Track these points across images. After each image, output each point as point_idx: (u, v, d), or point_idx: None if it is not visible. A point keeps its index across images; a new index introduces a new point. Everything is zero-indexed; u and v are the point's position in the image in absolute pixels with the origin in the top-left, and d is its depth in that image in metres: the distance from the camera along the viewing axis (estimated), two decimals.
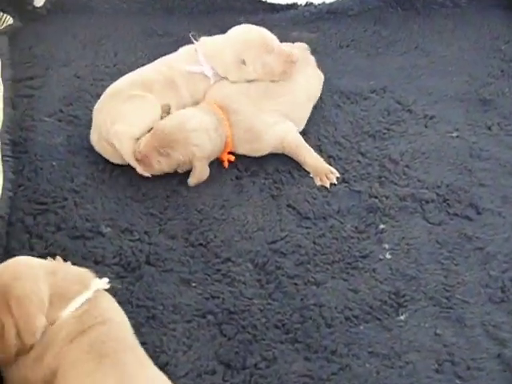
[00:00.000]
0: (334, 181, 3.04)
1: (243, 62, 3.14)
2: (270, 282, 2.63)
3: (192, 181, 2.96)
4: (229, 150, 3.09)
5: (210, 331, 2.45)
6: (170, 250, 2.70)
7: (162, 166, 2.94)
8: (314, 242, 2.78)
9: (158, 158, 2.91)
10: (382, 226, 2.87)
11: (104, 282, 2.23)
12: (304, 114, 3.30)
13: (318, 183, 3.04)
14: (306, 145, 3.12)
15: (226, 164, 3.08)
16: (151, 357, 2.26)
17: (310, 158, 3.09)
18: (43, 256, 2.59)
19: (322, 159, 3.09)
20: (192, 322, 2.47)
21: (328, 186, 3.01)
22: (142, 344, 2.34)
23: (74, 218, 2.80)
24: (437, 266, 2.73)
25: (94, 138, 3.07)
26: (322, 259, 2.72)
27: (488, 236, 2.86)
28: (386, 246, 2.79)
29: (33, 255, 2.56)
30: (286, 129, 3.13)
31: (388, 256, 2.75)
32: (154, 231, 2.77)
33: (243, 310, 2.53)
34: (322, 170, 3.07)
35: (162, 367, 2.27)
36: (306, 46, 3.51)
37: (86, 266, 2.54)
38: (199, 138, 2.94)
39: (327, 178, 3.04)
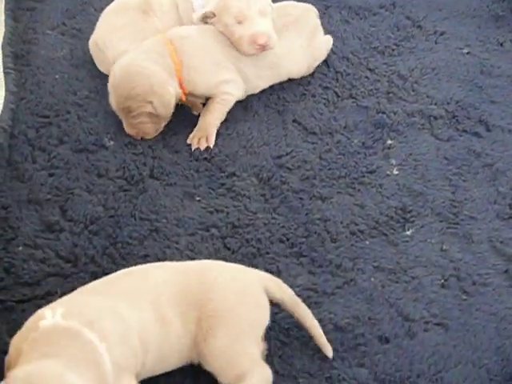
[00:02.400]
0: (202, 147, 2.77)
1: (212, 16, 2.94)
2: (275, 196, 2.59)
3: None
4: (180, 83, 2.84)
5: (213, 245, 2.42)
6: (173, 163, 2.66)
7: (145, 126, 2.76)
8: (320, 157, 2.73)
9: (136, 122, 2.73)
10: (389, 142, 2.82)
11: None
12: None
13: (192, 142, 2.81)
14: (223, 112, 2.90)
15: (183, 97, 2.87)
16: None
17: (210, 117, 2.86)
18: (46, 169, 2.56)
19: (215, 124, 2.87)
20: (195, 236, 2.44)
21: (195, 146, 2.78)
22: (145, 257, 2.34)
23: (76, 132, 2.76)
24: (444, 182, 2.68)
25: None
26: (328, 174, 2.67)
27: (497, 153, 2.81)
28: (394, 161, 2.74)
29: (35, 168, 2.54)
30: (226, 90, 2.90)
31: (395, 172, 2.71)
32: (157, 145, 2.73)
33: (247, 224, 2.49)
34: (204, 130, 2.82)
35: None
36: (315, 11, 3.24)
37: (90, 180, 2.52)
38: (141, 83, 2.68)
39: (200, 141, 2.79)
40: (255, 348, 2.03)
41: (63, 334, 1.72)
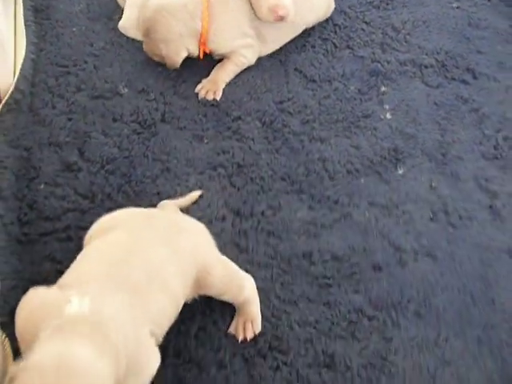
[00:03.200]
0: (209, 98, 2.73)
1: None
2: (277, 138, 2.58)
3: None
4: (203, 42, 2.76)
5: (220, 183, 2.42)
6: (183, 109, 2.65)
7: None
8: (319, 103, 2.72)
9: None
10: (383, 89, 2.80)
11: None
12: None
13: (200, 92, 2.77)
14: (235, 73, 2.85)
15: (201, 55, 2.81)
16: None
17: (223, 74, 2.81)
18: (65, 114, 2.55)
19: (224, 81, 2.82)
20: (204, 174, 2.44)
21: (202, 96, 2.74)
22: (157, 194, 2.33)
23: (93, 80, 2.74)
24: (434, 125, 2.67)
25: None
26: (327, 118, 2.66)
27: (483, 99, 2.80)
28: (387, 106, 2.73)
29: (55, 113, 2.53)
30: (244, 54, 2.83)
31: (388, 116, 2.69)
32: (168, 92, 2.71)
33: (252, 163, 2.49)
34: (214, 84, 2.77)
35: None
36: None
37: (105, 124, 2.51)
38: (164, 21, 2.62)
39: (208, 93, 2.74)
40: None
41: (89, 325, 1.60)
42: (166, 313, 1.86)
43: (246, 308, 2.07)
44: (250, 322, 2.05)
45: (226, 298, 2.05)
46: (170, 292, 1.86)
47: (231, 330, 2.07)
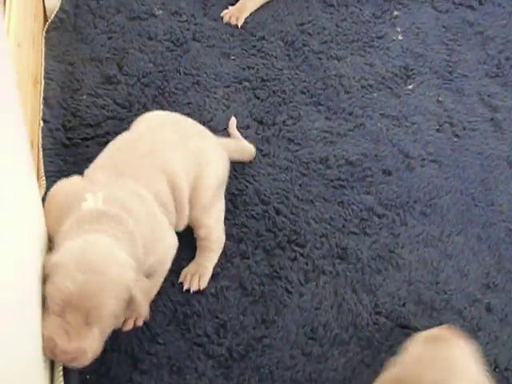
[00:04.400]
0: (232, 22, 2.57)
1: None
2: (298, 56, 2.48)
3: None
4: None
5: (245, 95, 2.35)
6: (212, 29, 2.55)
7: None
8: (337, 25, 2.61)
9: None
10: (395, 13, 2.68)
11: None
12: None
13: (225, 17, 2.60)
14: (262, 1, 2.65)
15: None
16: (196, 114, 2.20)
17: (250, 3, 2.62)
18: (105, 33, 2.47)
19: (249, 9, 2.62)
20: (230, 87, 2.36)
21: (226, 20, 2.58)
22: (187, 104, 2.27)
23: (130, 3, 2.62)
24: (442, 46, 2.57)
25: None
26: (343, 39, 2.56)
27: (488, 23, 2.68)
28: (399, 29, 2.62)
29: (96, 32, 2.45)
30: None
31: (400, 37, 2.59)
32: (199, 14, 2.60)
33: (274, 78, 2.41)
34: (239, 12, 2.59)
35: (206, 123, 2.20)
36: None
37: (141, 42, 2.43)
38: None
39: (232, 18, 2.58)
40: None
41: (106, 216, 1.62)
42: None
43: (203, 257, 1.92)
44: (198, 276, 1.88)
45: (199, 229, 1.92)
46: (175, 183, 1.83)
47: (182, 273, 1.90)
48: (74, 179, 1.80)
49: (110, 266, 1.52)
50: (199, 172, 1.87)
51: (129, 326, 1.71)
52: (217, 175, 1.92)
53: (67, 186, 1.78)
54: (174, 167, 1.82)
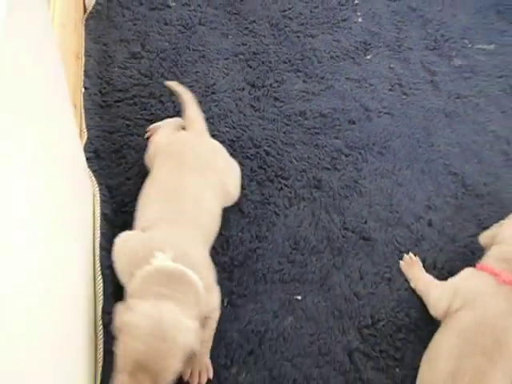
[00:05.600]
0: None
1: None
2: (281, 35, 2.36)
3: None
4: None
5: (240, 65, 2.23)
6: (214, 15, 2.41)
7: None
8: (311, 11, 2.47)
9: None
10: (356, 1, 2.54)
11: None
12: None
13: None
14: None
15: None
16: (202, 80, 2.11)
17: None
18: (131, 21, 2.33)
19: None
20: (229, 59, 2.24)
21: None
22: (195, 73, 2.16)
23: None
24: (392, 26, 2.45)
25: None
26: (316, 21, 2.43)
27: (427, 8, 2.55)
28: (359, 13, 2.48)
29: (124, 20, 2.32)
30: None
31: (360, 20, 2.46)
32: (204, 4, 2.46)
33: (263, 51, 2.28)
34: None
35: (210, 86, 2.10)
36: None
37: (159, 26, 2.31)
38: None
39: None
40: None
41: (174, 278, 1.37)
42: (214, 230, 1.62)
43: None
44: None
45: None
46: (212, 213, 1.62)
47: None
48: (136, 234, 1.54)
49: (178, 334, 1.28)
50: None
51: (194, 379, 1.51)
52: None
53: (132, 237, 1.53)
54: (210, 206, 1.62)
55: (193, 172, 1.61)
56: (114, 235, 1.66)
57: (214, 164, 1.67)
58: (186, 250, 1.44)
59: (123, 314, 1.31)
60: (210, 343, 1.53)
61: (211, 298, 1.47)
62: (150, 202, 1.58)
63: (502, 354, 1.40)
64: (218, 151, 1.76)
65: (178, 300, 1.34)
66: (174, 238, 1.47)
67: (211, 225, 1.61)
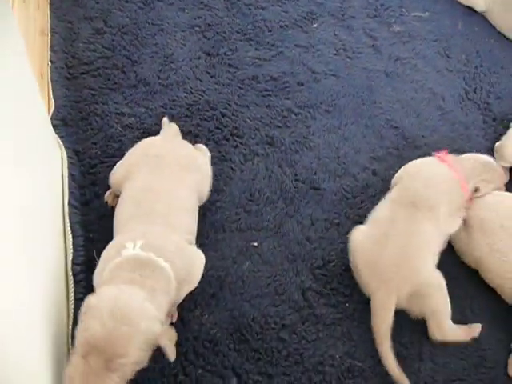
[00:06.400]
0: None
1: None
2: (234, 8, 2.17)
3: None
4: None
5: (197, 36, 2.05)
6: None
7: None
8: None
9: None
10: None
11: None
12: None
13: None
14: None
15: None
16: (161, 51, 1.93)
17: None
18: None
19: None
20: (186, 32, 2.06)
21: None
22: (155, 44, 1.99)
23: None
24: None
25: None
26: None
27: None
28: None
29: (88, 0, 2.12)
30: None
31: None
32: None
33: (217, 23, 2.10)
34: None
35: (168, 56, 1.93)
36: None
37: (120, 4, 2.12)
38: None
39: None
40: None
41: (143, 264, 1.20)
42: (191, 222, 1.41)
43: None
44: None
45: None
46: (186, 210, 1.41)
47: None
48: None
49: (141, 320, 1.09)
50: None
51: None
52: None
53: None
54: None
55: (168, 173, 1.42)
56: (82, 194, 1.60)
57: (192, 164, 1.48)
58: (156, 240, 1.26)
59: (88, 299, 1.14)
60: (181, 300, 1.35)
61: (192, 274, 1.32)
62: (124, 205, 1.38)
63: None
64: (193, 152, 1.56)
65: (149, 287, 1.16)
66: (144, 233, 1.27)
67: (186, 221, 1.39)
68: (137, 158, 1.46)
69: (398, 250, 1.39)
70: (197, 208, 1.45)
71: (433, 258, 1.44)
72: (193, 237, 1.41)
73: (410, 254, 1.39)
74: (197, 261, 1.35)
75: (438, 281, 1.41)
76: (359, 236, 1.47)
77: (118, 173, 1.48)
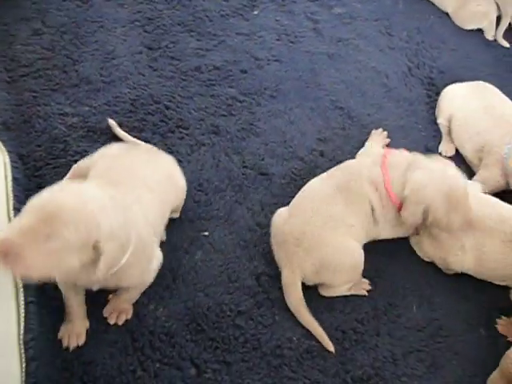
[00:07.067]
0: None
1: None
2: (174, 0, 2.15)
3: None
4: None
5: (137, 31, 2.01)
6: None
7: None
8: None
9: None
10: None
11: None
12: None
13: None
14: None
15: None
16: (102, 48, 1.91)
17: None
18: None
19: None
20: (126, 27, 2.02)
21: None
22: (96, 42, 1.95)
23: None
24: None
25: None
26: None
27: None
28: None
29: (23, 1, 2.06)
30: None
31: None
32: None
33: (157, 17, 2.07)
34: None
35: (110, 53, 1.90)
36: None
37: (59, 3, 2.07)
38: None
39: None
40: None
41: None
42: (157, 210, 1.34)
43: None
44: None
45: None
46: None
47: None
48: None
49: (92, 202, 1.05)
50: None
51: (112, 319, 1.36)
52: None
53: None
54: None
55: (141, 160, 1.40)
56: (28, 197, 1.52)
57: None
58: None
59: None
60: (114, 268, 1.13)
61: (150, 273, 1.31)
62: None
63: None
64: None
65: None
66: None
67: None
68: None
69: (302, 226, 1.42)
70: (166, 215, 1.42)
71: (347, 232, 1.44)
72: (158, 232, 1.38)
73: (312, 229, 1.41)
74: (156, 252, 1.33)
75: (345, 256, 1.42)
76: (277, 217, 1.50)
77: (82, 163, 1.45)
